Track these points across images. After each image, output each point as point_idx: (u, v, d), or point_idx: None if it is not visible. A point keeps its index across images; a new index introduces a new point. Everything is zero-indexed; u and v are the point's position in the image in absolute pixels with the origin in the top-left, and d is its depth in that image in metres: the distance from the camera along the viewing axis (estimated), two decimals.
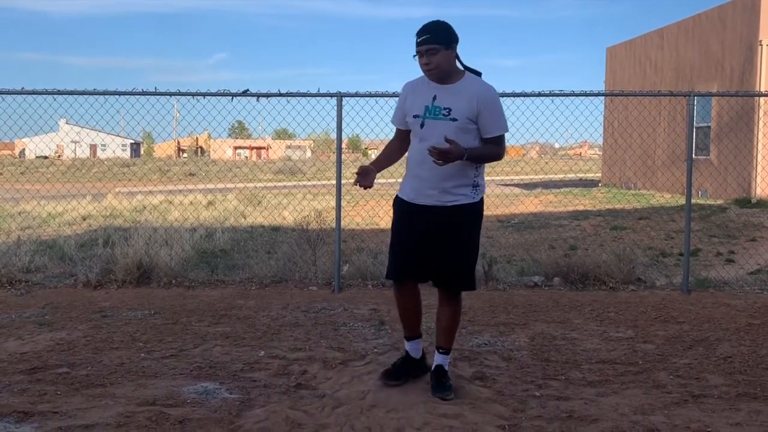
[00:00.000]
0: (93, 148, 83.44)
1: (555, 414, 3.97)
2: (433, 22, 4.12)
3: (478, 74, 4.24)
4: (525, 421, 3.86)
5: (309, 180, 32.10)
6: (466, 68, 4.23)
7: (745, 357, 5.15)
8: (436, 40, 4.03)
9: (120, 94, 7.63)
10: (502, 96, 7.66)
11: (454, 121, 4.05)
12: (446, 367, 4.35)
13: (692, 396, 4.30)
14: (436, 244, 4.17)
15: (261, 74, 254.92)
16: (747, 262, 9.54)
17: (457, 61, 4.18)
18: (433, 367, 4.36)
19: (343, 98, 7.53)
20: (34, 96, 7.72)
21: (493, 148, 4.16)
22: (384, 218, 13.71)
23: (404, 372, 4.45)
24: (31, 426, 3.76)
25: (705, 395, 4.31)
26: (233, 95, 7.58)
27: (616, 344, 5.50)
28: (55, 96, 7.69)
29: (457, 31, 4.14)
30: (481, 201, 4.24)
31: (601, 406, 4.10)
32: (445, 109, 4.07)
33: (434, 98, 4.12)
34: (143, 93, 7.64)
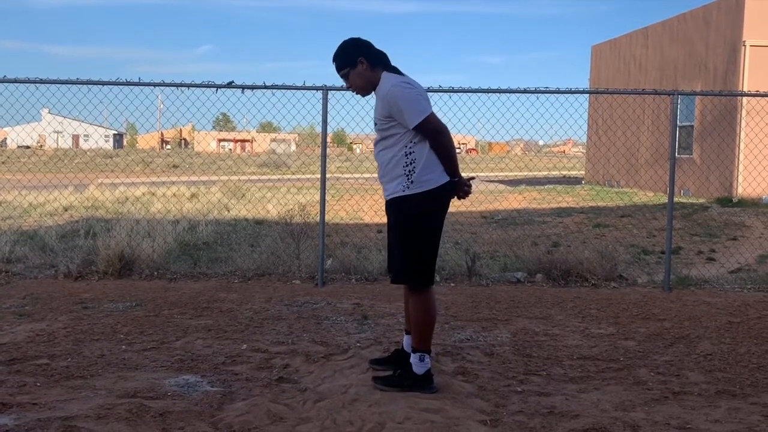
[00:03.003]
0: (76, 138, 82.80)
1: (536, 409, 3.98)
2: (337, 47, 4.30)
3: (397, 72, 4.25)
4: (506, 417, 3.87)
5: (293, 174, 32.01)
6: (389, 68, 4.26)
7: (725, 355, 5.19)
8: (341, 65, 4.29)
9: (103, 83, 7.56)
10: (488, 92, 7.70)
11: (376, 126, 4.26)
12: (413, 368, 4.23)
13: (672, 393, 4.33)
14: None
15: (247, 66, 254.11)
16: (728, 261, 9.63)
17: (375, 68, 4.23)
18: None
19: (329, 92, 7.50)
20: (16, 85, 7.63)
21: (433, 142, 4.12)
22: (368, 213, 13.71)
23: (392, 362, 4.50)
24: (9, 417, 3.72)
25: (685, 392, 4.34)
26: (218, 87, 7.53)
27: (597, 341, 5.53)
28: (38, 85, 7.61)
29: (369, 43, 4.29)
30: (421, 195, 4.10)
31: (582, 402, 4.12)
32: (375, 117, 4.29)
33: (375, 109, 4.34)
34: (127, 83, 7.58)
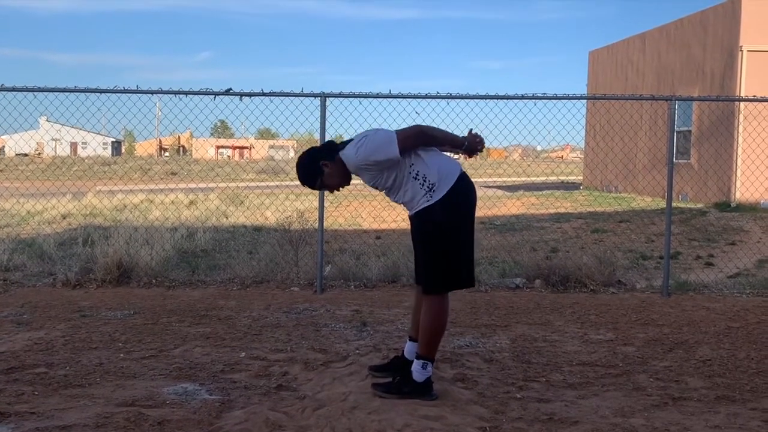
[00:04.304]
0: (74, 146, 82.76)
1: (536, 416, 3.98)
2: (299, 171, 4.30)
3: (346, 143, 4.26)
4: (506, 423, 3.86)
5: (292, 180, 31.97)
6: (340, 149, 4.24)
7: (724, 360, 5.19)
8: (313, 179, 4.30)
9: (101, 91, 7.57)
10: (485, 98, 7.72)
11: (378, 188, 4.29)
12: (414, 375, 4.22)
13: (672, 398, 4.32)
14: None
15: (246, 73, 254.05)
16: (726, 266, 9.63)
17: (334, 160, 4.21)
18: None
19: (327, 98, 7.51)
20: (14, 93, 7.64)
21: (424, 144, 4.17)
22: (366, 219, 13.70)
23: (391, 369, 4.50)
24: (7, 426, 3.71)
25: (684, 398, 4.34)
26: (216, 94, 7.54)
27: (596, 347, 5.52)
28: (36, 93, 7.62)
29: (328, 147, 4.32)
30: (444, 199, 4.11)
31: (582, 409, 4.11)
32: (370, 185, 4.30)
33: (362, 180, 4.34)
34: (124, 91, 7.58)
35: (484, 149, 4.37)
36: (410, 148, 4.12)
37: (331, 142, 4.34)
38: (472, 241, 4.30)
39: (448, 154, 4.43)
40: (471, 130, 4.36)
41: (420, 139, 4.15)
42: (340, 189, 4.37)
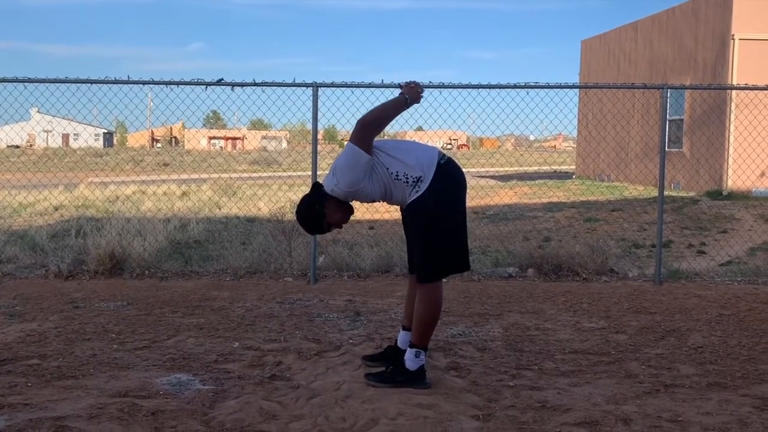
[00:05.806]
0: (65, 137, 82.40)
1: (528, 404, 3.99)
2: (303, 225, 4.39)
3: (320, 185, 4.31)
4: (499, 411, 3.88)
5: (285, 171, 31.96)
6: (323, 187, 4.28)
7: (716, 347, 5.21)
8: (319, 227, 4.34)
9: (92, 82, 7.53)
10: (478, 88, 7.72)
11: (376, 201, 4.36)
12: (407, 364, 4.24)
13: (664, 386, 4.34)
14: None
15: (238, 63, 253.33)
16: (718, 254, 9.67)
17: (327, 197, 4.24)
18: None
19: (319, 88, 7.49)
20: (5, 84, 7.59)
21: (376, 132, 4.21)
22: (359, 209, 13.70)
23: (384, 358, 4.52)
24: (0, 418, 3.71)
25: (676, 385, 4.36)
26: (207, 84, 7.51)
27: (589, 335, 5.55)
28: (26, 84, 7.58)
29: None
30: (432, 186, 4.14)
31: (574, 396, 4.13)
32: (370, 201, 4.35)
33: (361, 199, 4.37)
34: (116, 81, 7.55)
35: (422, 91, 4.36)
36: (370, 141, 4.12)
37: (316, 184, 4.37)
38: (464, 224, 4.32)
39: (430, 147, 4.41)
40: (400, 84, 4.37)
41: (369, 129, 4.14)
42: (347, 221, 4.40)
